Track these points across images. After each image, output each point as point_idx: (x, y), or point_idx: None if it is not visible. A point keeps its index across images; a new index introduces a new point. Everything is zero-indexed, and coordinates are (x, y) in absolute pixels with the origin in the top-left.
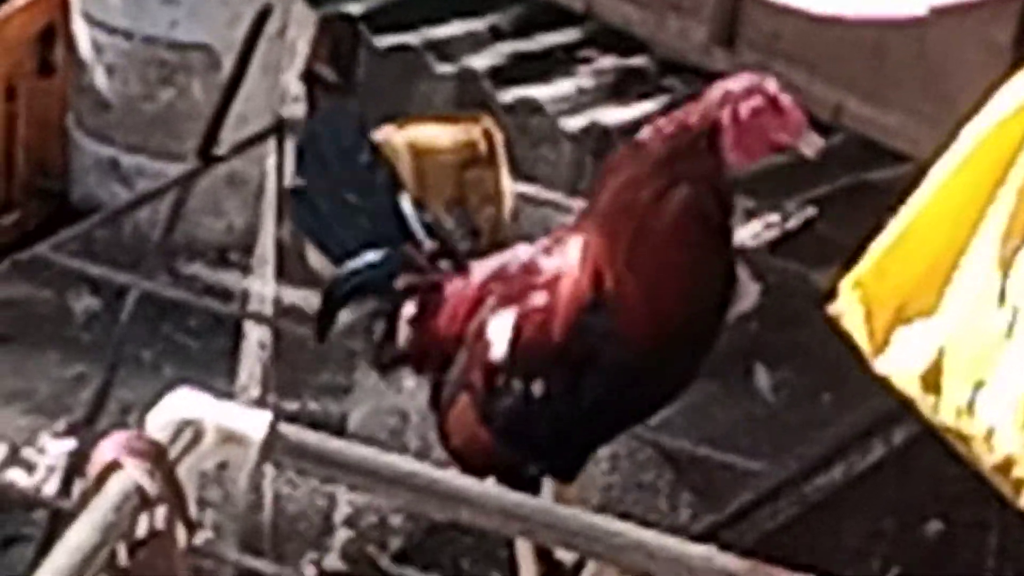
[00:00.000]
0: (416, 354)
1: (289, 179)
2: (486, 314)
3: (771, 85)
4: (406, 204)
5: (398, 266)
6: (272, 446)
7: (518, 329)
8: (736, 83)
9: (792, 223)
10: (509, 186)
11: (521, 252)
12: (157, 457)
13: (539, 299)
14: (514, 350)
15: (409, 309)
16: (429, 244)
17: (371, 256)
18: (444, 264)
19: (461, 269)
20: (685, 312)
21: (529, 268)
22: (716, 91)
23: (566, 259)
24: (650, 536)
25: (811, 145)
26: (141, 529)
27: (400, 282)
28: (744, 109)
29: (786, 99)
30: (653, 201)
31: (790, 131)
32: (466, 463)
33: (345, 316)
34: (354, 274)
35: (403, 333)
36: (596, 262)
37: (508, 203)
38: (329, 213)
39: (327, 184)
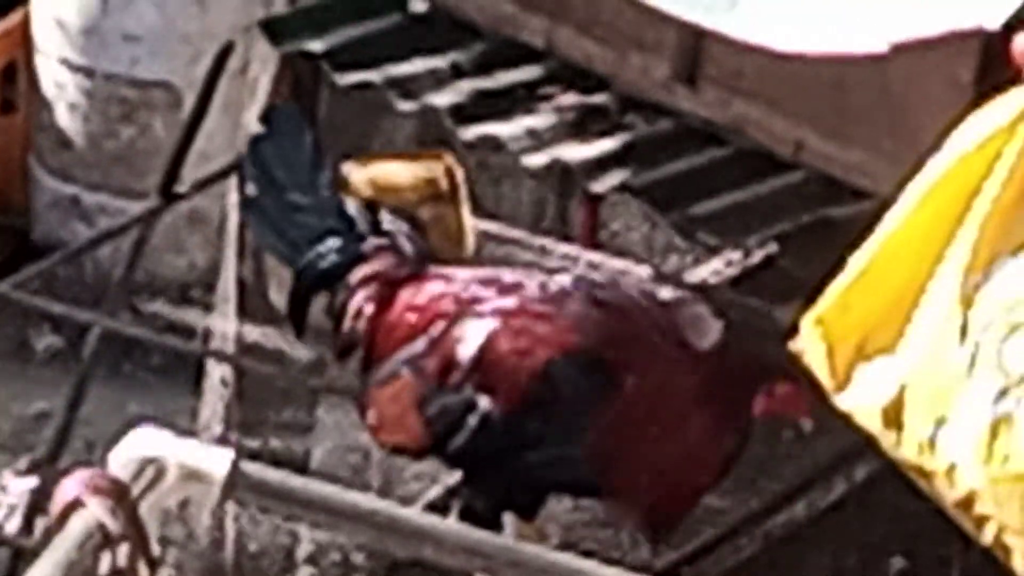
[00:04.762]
0: (368, 342)
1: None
2: (467, 314)
3: None
4: (349, 203)
5: (353, 259)
6: (234, 484)
7: (494, 340)
8: None
9: (754, 260)
10: (470, 223)
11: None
12: (119, 495)
13: (531, 324)
14: (481, 357)
15: (357, 300)
16: (376, 241)
17: (332, 242)
18: (390, 260)
19: (420, 273)
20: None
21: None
22: None
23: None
24: (612, 573)
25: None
26: (103, 567)
27: (354, 276)
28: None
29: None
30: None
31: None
32: (379, 438)
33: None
34: (320, 257)
35: (349, 322)
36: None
37: (469, 240)
38: (278, 217)
39: (273, 189)
